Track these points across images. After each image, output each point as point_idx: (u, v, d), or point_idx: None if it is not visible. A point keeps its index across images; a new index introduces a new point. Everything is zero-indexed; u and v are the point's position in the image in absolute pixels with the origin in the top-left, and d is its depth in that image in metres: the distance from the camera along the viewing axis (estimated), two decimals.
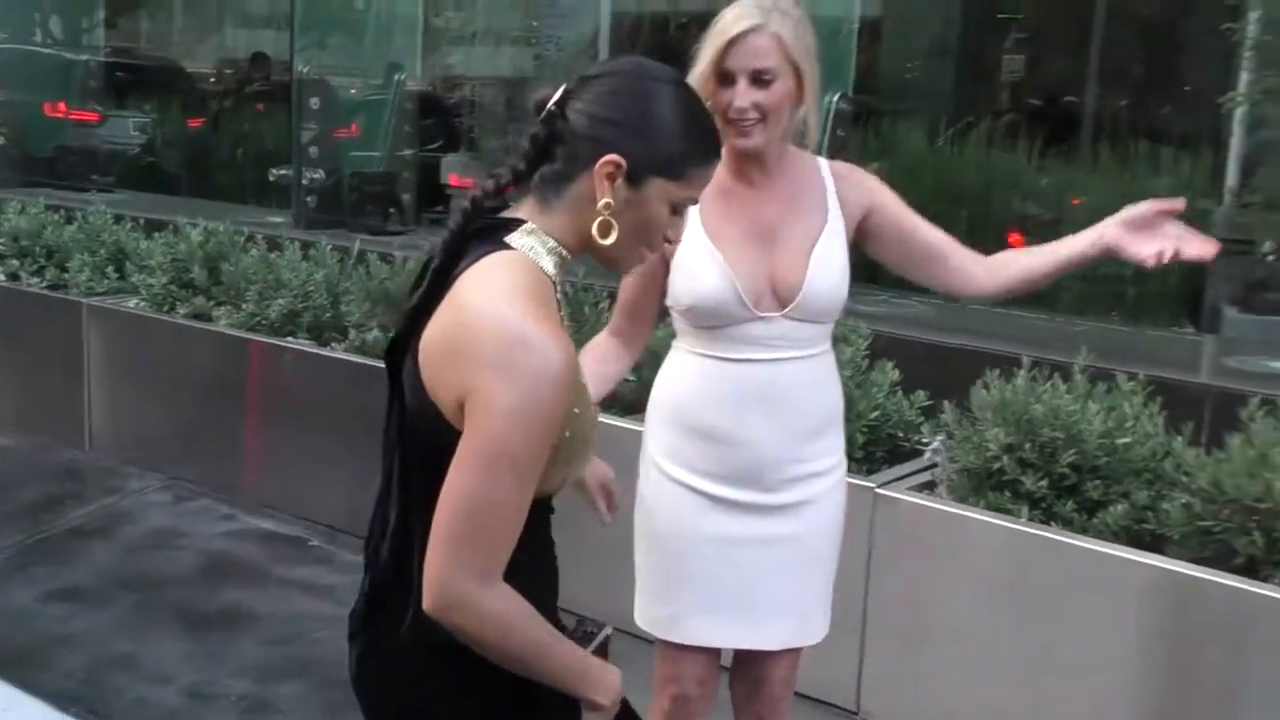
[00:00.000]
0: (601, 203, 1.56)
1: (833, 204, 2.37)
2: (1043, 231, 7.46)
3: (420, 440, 1.57)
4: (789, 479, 2.37)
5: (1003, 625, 3.39)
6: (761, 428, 2.34)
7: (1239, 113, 7.42)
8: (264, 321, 5.24)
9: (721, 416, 2.34)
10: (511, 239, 1.59)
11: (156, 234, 5.81)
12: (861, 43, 5.50)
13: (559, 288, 1.62)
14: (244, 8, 14.46)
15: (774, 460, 2.35)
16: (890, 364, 4.03)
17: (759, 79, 2.23)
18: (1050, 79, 11.06)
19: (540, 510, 1.63)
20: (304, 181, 7.67)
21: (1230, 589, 3.04)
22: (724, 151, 2.01)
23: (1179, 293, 7.09)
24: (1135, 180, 7.61)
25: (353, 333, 5.02)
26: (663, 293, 2.42)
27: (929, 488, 3.72)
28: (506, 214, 1.63)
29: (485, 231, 1.60)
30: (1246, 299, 6.81)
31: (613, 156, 1.55)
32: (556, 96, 1.58)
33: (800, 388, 2.36)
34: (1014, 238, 7.57)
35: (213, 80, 12.93)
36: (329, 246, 5.40)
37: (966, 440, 3.62)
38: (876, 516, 3.62)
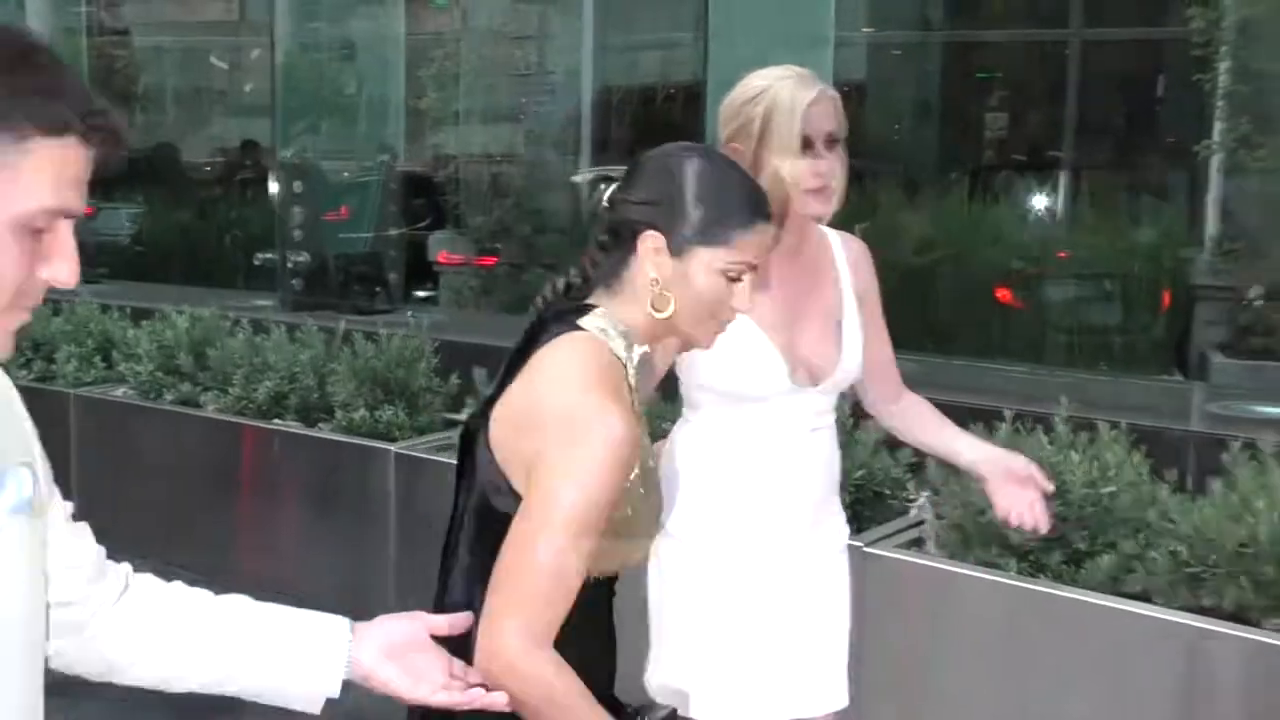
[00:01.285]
0: (650, 278, 1.67)
1: (845, 274, 2.39)
2: (1027, 285, 7.52)
3: (495, 518, 1.63)
4: (814, 544, 2.40)
5: (996, 680, 3.36)
6: (790, 499, 2.34)
7: (1215, 161, 7.52)
8: (251, 405, 5.25)
9: (752, 489, 2.32)
10: (583, 321, 1.67)
11: (144, 322, 5.83)
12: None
13: (631, 370, 1.68)
14: (234, 98, 14.65)
15: (801, 528, 2.36)
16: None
17: (832, 143, 2.23)
18: (1029, 134, 11.19)
19: (600, 589, 1.67)
20: (289, 264, 7.71)
21: (1223, 635, 3.02)
22: None
23: (1165, 341, 7.12)
24: (1118, 232, 7.67)
25: (340, 412, 5.02)
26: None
27: (917, 544, 3.70)
28: (585, 302, 1.73)
29: (561, 316, 1.69)
30: (1232, 344, 6.84)
31: (650, 233, 1.66)
32: (608, 193, 1.71)
33: (822, 456, 2.38)
34: (1001, 292, 7.62)
35: (205, 168, 13.06)
36: (314, 327, 5.42)
37: (953, 496, 3.61)
38: (866, 575, 3.59)
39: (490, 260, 9.06)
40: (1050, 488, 2.40)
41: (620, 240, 1.70)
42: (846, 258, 2.40)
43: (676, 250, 1.66)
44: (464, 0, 10.19)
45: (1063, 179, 9.60)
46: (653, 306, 1.67)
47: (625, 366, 1.66)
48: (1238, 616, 3.09)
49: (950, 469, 3.66)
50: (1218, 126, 7.28)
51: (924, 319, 6.90)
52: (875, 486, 3.94)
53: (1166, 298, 7.12)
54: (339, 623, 1.49)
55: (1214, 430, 3.74)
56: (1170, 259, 7.28)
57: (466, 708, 1.49)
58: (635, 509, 1.64)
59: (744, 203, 1.68)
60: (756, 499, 2.33)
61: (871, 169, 8.86)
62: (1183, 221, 7.72)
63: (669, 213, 1.66)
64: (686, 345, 1.79)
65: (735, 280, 1.67)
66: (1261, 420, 4.04)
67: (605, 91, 9.87)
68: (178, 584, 1.54)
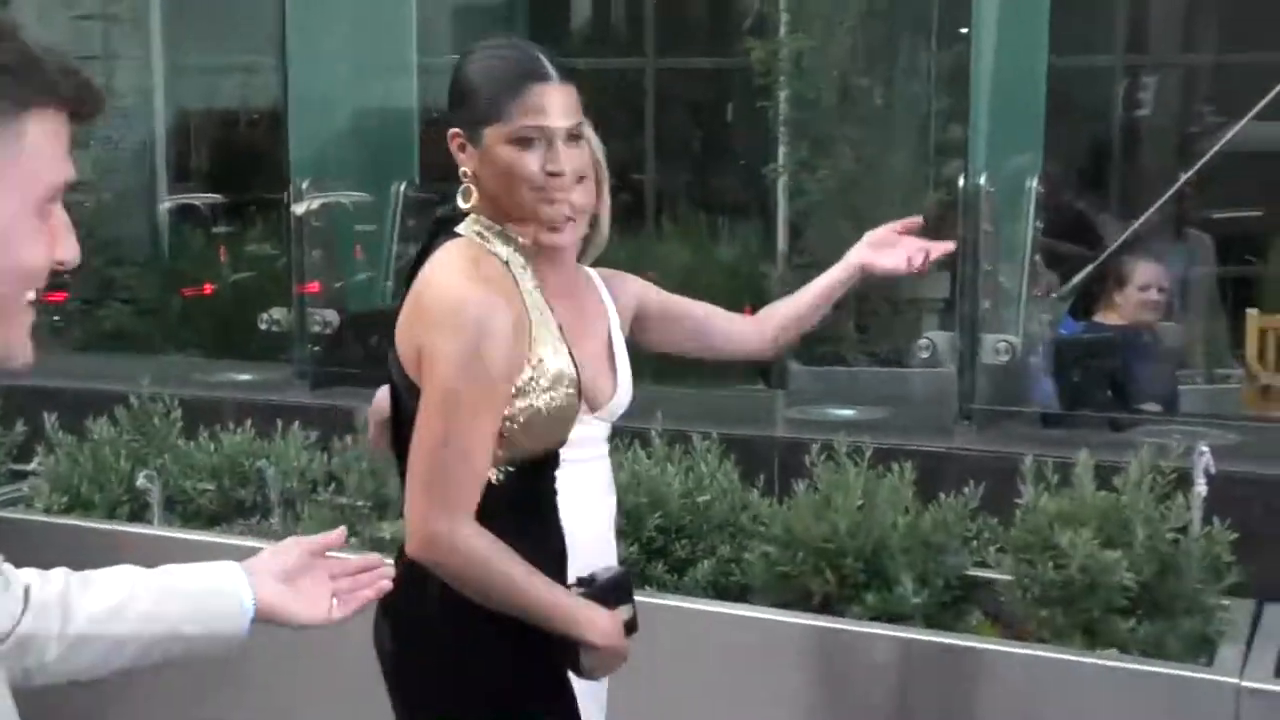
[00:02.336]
0: (460, 171, 1.85)
1: (610, 305, 2.38)
2: None
3: (411, 415, 1.79)
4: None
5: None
6: (578, 530, 2.20)
7: (780, 183, 8.07)
8: None
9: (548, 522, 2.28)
10: (460, 228, 1.87)
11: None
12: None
13: (518, 262, 1.85)
14: None
15: (590, 558, 2.26)
16: None
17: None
18: (612, 160, 11.60)
19: (529, 478, 1.84)
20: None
21: (807, 627, 3.21)
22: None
23: None
24: (700, 249, 8.07)
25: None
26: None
27: None
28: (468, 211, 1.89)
29: (445, 229, 1.89)
30: (806, 352, 7.35)
31: (451, 131, 1.84)
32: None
33: (602, 486, 2.32)
34: None
35: None
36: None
37: None
38: None
39: (59, 296, 8.35)
40: (918, 221, 2.48)
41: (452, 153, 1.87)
42: (604, 287, 2.40)
43: (475, 139, 1.81)
44: (17, 16, 9.39)
45: (647, 202, 10.01)
46: (460, 200, 1.85)
47: (506, 261, 1.84)
48: (824, 608, 3.30)
49: None
50: (781, 151, 7.81)
51: None
52: None
53: (748, 312, 7.53)
54: (231, 567, 1.50)
55: (796, 435, 3.98)
56: (748, 275, 7.73)
57: (359, 607, 1.56)
58: (538, 396, 1.79)
59: (509, 72, 1.81)
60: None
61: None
62: (757, 240, 8.22)
63: (459, 108, 1.83)
64: (537, 229, 1.89)
65: (529, 146, 1.79)
66: (835, 422, 4.34)
67: (182, 116, 9.36)
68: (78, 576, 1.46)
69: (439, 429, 1.73)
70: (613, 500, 2.39)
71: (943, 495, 3.42)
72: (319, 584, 1.53)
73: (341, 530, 1.62)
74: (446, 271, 1.80)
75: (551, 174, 1.81)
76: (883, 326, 7.52)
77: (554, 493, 1.93)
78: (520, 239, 1.88)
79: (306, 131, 5.13)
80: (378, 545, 3.78)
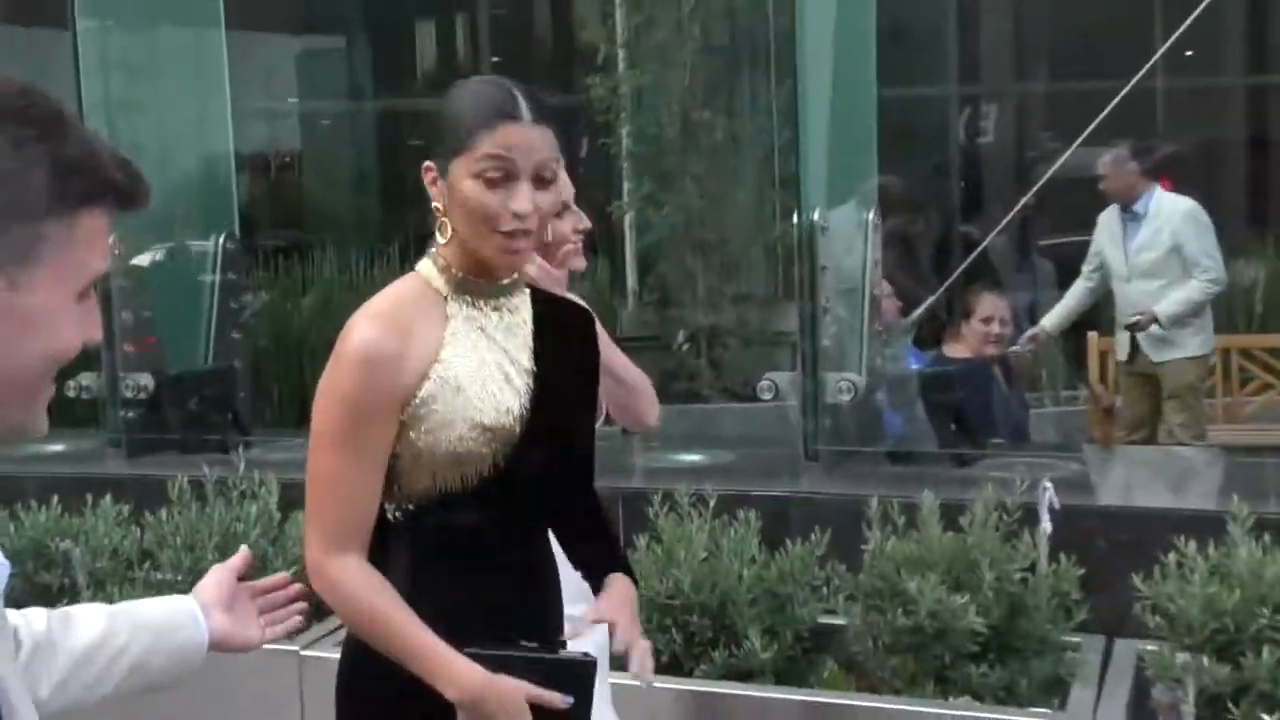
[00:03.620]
0: (433, 205, 1.78)
1: None
2: None
3: None
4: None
5: None
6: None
7: (627, 219, 7.99)
8: None
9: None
10: (420, 264, 1.83)
11: None
12: (247, 178, 5.29)
13: (451, 299, 1.79)
14: None
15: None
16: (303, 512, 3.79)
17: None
18: None
19: (426, 518, 1.77)
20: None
21: (659, 690, 3.06)
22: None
23: None
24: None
25: None
26: None
27: None
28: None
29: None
30: (660, 391, 7.26)
31: (425, 164, 1.77)
32: None
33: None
34: None
35: None
36: None
37: None
38: (305, 679, 3.36)
39: None
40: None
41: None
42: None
43: (443, 171, 1.75)
44: None
45: None
46: (438, 234, 1.78)
47: (445, 297, 1.79)
48: (674, 666, 3.16)
49: None
50: (626, 186, 7.73)
51: None
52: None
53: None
54: (186, 601, 1.55)
55: (641, 485, 3.84)
56: (600, 312, 7.61)
57: (285, 631, 1.61)
58: (421, 436, 1.74)
59: (482, 107, 1.74)
60: None
61: (301, 242, 8.62)
62: (607, 277, 8.12)
63: (434, 142, 1.77)
64: (496, 269, 1.80)
65: (493, 184, 1.71)
66: (681, 469, 4.21)
67: None
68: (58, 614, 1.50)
69: (314, 462, 1.75)
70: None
71: (789, 542, 3.31)
72: (246, 607, 1.60)
73: (246, 550, 1.65)
74: (365, 305, 1.80)
75: (515, 214, 1.72)
76: (734, 363, 7.50)
77: (461, 538, 1.79)
78: (461, 274, 1.81)
79: None
80: None
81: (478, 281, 1.80)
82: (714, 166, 7.35)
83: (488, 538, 1.81)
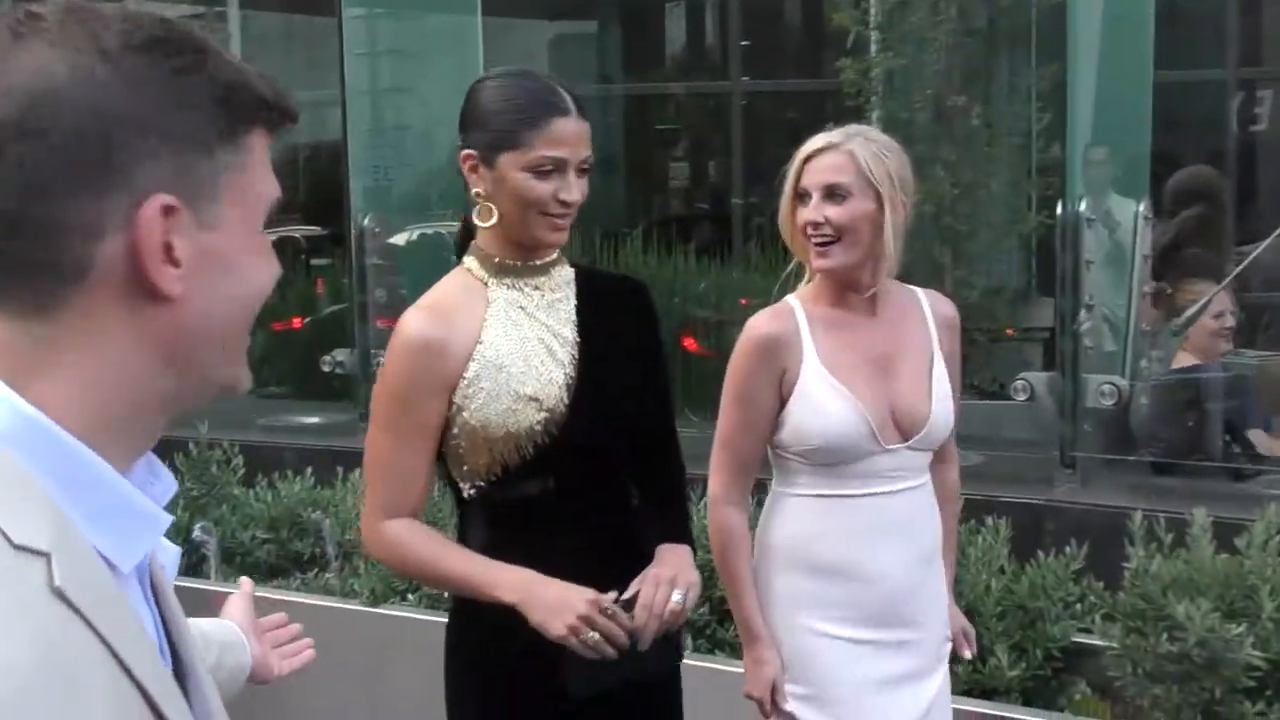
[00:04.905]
0: (473, 192, 1.89)
1: (934, 331, 2.32)
2: (709, 333, 7.55)
3: None
4: (920, 609, 2.28)
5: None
6: (892, 561, 2.24)
7: None
8: None
9: (852, 554, 2.24)
10: (464, 258, 1.95)
11: None
12: None
13: (493, 285, 1.90)
14: None
15: (907, 592, 2.26)
16: None
17: (832, 194, 2.19)
18: (706, 185, 11.40)
19: (495, 494, 1.88)
20: None
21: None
22: (826, 283, 2.21)
23: None
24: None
25: None
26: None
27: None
28: None
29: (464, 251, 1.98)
30: None
31: (464, 153, 1.88)
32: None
33: (919, 516, 2.28)
34: (687, 342, 7.61)
35: None
36: None
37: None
38: None
39: None
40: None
41: (463, 175, 1.91)
42: (934, 317, 2.33)
43: (489, 161, 1.85)
44: None
45: (735, 228, 9.79)
46: (477, 218, 1.88)
47: (485, 283, 1.90)
48: None
49: None
50: None
51: None
52: None
53: None
54: (234, 625, 1.53)
55: None
56: None
57: (300, 665, 1.60)
58: (476, 410, 1.84)
59: (531, 106, 1.85)
60: (857, 564, 2.24)
61: None
62: None
63: (474, 131, 1.87)
64: (535, 247, 1.92)
65: (545, 176, 1.83)
66: None
67: None
68: None
69: (370, 443, 1.92)
70: (929, 534, 2.27)
71: (1041, 554, 3.12)
72: (264, 639, 1.58)
73: (248, 581, 1.64)
74: (420, 298, 1.95)
75: (563, 202, 1.87)
76: (983, 359, 7.22)
77: (529, 512, 1.90)
78: (498, 259, 1.94)
79: None
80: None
81: (517, 263, 1.93)
82: (968, 153, 7.07)
83: (553, 507, 1.91)
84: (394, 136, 5.52)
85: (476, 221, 1.90)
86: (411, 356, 1.86)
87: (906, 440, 2.24)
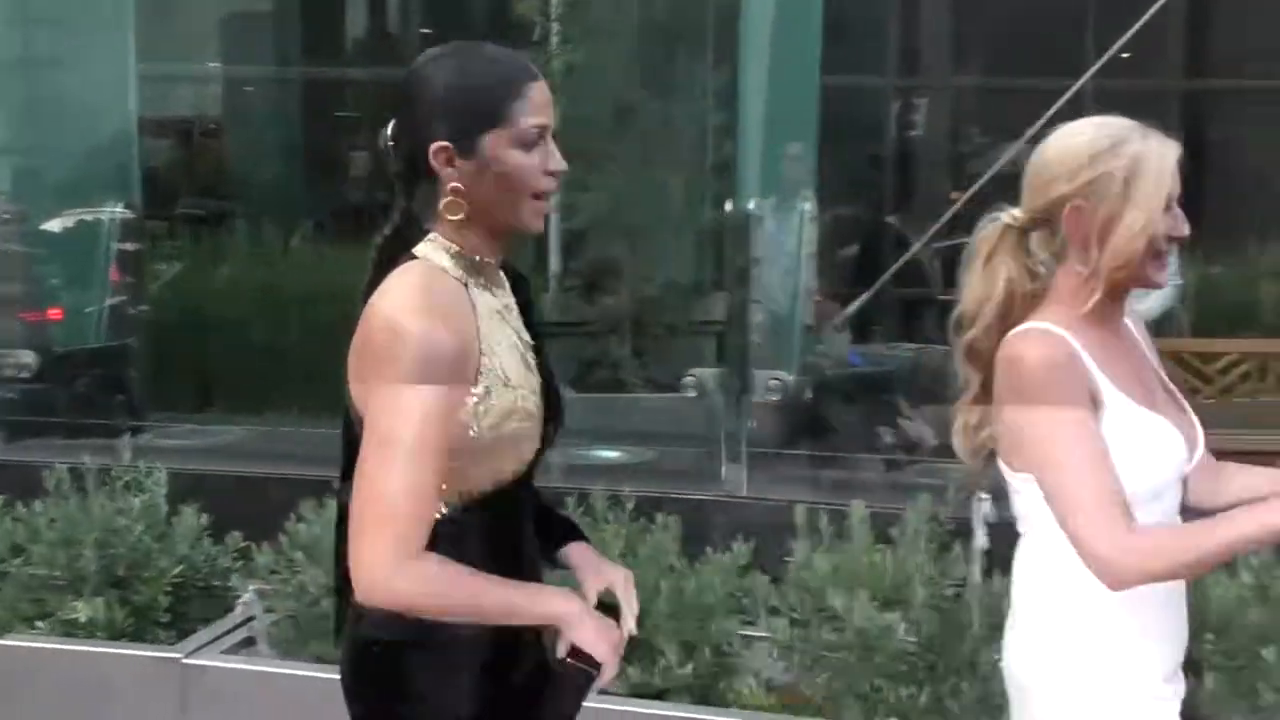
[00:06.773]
0: (450, 186, 1.66)
1: (1146, 344, 2.03)
2: None
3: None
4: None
5: None
6: (1182, 598, 1.92)
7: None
8: None
9: (1164, 600, 1.86)
10: (417, 250, 1.70)
11: None
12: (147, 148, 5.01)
13: (473, 286, 1.70)
14: None
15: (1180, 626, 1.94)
16: (196, 507, 3.54)
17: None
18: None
19: (480, 514, 1.69)
20: None
21: None
22: (1100, 303, 1.82)
23: None
24: None
25: None
26: None
27: (249, 645, 3.29)
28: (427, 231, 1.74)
29: (399, 253, 1.70)
30: (579, 380, 7.04)
31: (435, 145, 1.65)
32: (386, 135, 1.72)
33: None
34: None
35: None
36: None
37: (285, 584, 3.24)
38: (188, 690, 3.13)
39: None
40: None
41: (418, 168, 1.69)
42: (1134, 329, 2.01)
43: (467, 149, 1.66)
44: None
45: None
46: (445, 211, 1.67)
47: (465, 285, 1.69)
48: None
49: (280, 553, 3.31)
50: None
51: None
52: (200, 582, 3.46)
53: None
54: None
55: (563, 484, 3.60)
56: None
57: None
58: (482, 427, 1.66)
59: (509, 73, 1.68)
60: (1168, 610, 1.89)
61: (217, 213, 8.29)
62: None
63: (442, 120, 1.66)
64: (519, 231, 1.73)
65: (530, 149, 1.66)
66: (600, 466, 4.02)
67: None
68: None
69: (384, 476, 1.61)
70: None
71: (710, 550, 3.13)
72: None
73: None
74: (394, 301, 1.65)
75: (550, 173, 1.68)
76: (659, 352, 7.31)
77: (499, 524, 1.75)
78: (464, 251, 1.71)
79: None
80: (69, 628, 3.28)
81: (490, 262, 1.75)
82: (645, 150, 7.15)
83: (517, 521, 1.79)
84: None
85: (446, 216, 1.67)
86: (437, 371, 1.61)
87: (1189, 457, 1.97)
